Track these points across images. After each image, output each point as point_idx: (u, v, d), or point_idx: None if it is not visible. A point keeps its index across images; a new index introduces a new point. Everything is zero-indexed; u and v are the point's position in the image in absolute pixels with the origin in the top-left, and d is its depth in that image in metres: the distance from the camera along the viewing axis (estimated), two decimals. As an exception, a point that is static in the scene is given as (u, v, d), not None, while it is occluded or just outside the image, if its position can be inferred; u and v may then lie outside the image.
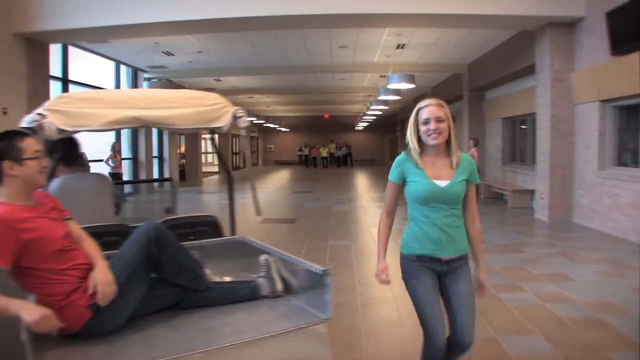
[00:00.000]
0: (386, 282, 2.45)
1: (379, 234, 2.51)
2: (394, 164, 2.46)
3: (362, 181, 20.70)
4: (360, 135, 37.89)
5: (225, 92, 20.80)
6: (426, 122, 2.35)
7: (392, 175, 2.45)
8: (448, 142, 2.39)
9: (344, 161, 34.80)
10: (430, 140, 2.35)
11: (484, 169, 14.04)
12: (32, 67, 8.81)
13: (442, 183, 2.36)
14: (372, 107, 19.32)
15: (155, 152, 16.64)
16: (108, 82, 13.69)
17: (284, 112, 31.18)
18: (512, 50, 11.19)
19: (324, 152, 33.74)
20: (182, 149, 19.64)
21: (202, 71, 14.87)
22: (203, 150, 22.78)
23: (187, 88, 15.36)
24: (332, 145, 34.71)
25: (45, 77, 9.40)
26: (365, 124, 34.89)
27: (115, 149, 12.42)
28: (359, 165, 34.76)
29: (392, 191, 2.46)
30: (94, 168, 4.76)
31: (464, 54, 13.06)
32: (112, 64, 13.63)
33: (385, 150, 37.12)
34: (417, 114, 2.40)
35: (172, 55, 12.61)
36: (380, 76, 15.86)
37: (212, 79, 16.73)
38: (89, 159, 4.16)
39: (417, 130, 2.40)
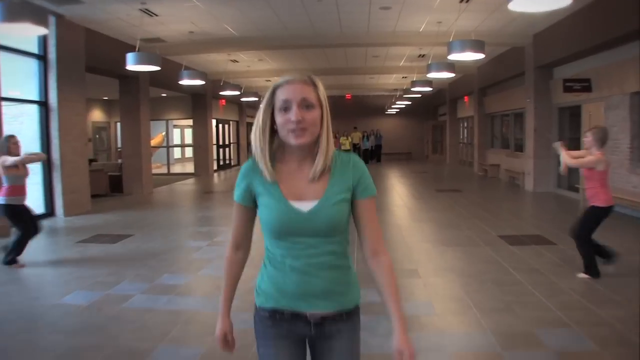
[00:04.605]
0: (228, 348, 1.67)
1: (224, 275, 1.69)
2: (239, 175, 1.62)
3: (397, 189, 12.51)
4: (392, 121, 29.25)
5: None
6: (285, 107, 1.49)
7: (236, 193, 1.62)
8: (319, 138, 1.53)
9: (373, 155, 26.29)
10: (290, 139, 1.50)
11: None
12: None
13: (306, 206, 1.52)
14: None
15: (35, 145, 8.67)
16: None
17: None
18: None
19: (346, 144, 24.80)
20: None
21: None
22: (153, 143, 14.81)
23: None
24: (357, 134, 26.10)
25: None
26: (400, 106, 26.14)
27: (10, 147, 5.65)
28: (390, 160, 26.38)
29: (238, 216, 1.65)
30: None
31: None
32: None
33: (426, 141, 28.46)
34: (272, 94, 1.53)
35: None
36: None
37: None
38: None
39: (273, 121, 1.53)
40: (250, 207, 1.61)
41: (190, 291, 4.73)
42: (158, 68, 8.88)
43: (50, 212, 9.38)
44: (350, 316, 1.58)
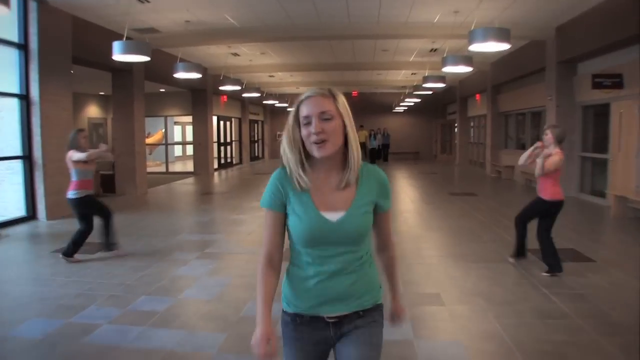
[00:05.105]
0: (269, 356, 1.53)
1: (258, 287, 1.62)
2: (268, 183, 1.65)
3: (407, 192, 11.70)
4: (400, 120, 28.35)
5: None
6: (307, 121, 1.55)
7: (265, 200, 1.63)
8: (347, 150, 1.60)
9: (380, 154, 25.39)
10: (314, 151, 1.55)
11: None
12: None
13: (335, 215, 1.57)
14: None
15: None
16: None
17: (293, 85, 22.00)
18: None
19: (352, 143, 23.80)
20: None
21: None
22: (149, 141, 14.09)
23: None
24: (363, 133, 25.16)
25: None
26: (409, 104, 25.20)
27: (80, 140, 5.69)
28: (398, 159, 25.51)
29: (270, 224, 1.63)
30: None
31: None
32: None
33: (434, 140, 27.60)
34: (297, 109, 1.59)
35: None
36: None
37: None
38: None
39: (301, 134, 1.59)
40: (282, 213, 1.62)
41: (168, 321, 3.93)
42: (148, 58, 8.08)
43: (31, 215, 8.62)
44: (367, 312, 1.62)
